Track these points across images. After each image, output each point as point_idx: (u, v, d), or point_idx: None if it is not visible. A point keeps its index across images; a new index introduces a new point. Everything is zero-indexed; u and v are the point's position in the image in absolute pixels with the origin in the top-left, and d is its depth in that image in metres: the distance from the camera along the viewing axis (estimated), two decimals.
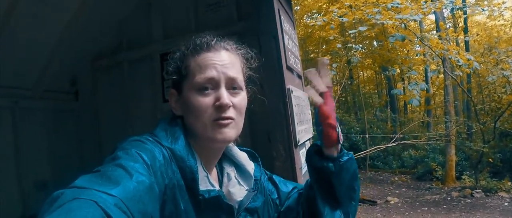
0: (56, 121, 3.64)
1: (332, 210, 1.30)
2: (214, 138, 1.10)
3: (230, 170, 1.28)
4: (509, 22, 19.22)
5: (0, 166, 3.06)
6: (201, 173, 1.10)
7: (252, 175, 1.28)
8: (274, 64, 2.59)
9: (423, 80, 17.37)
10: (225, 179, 1.25)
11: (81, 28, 3.38)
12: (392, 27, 9.68)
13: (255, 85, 1.30)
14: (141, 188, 0.84)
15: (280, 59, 2.60)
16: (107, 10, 3.58)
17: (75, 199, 0.71)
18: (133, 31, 3.80)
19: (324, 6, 15.99)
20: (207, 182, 1.11)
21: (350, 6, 9.93)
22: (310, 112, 3.44)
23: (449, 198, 10.19)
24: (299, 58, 3.43)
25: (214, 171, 1.26)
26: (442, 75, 14.29)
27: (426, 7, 9.08)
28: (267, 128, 2.62)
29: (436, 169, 13.05)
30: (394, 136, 12.57)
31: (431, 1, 9.64)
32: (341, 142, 1.22)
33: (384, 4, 8.75)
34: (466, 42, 16.68)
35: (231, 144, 1.31)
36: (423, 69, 18.48)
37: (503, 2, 14.72)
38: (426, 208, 9.41)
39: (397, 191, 12.01)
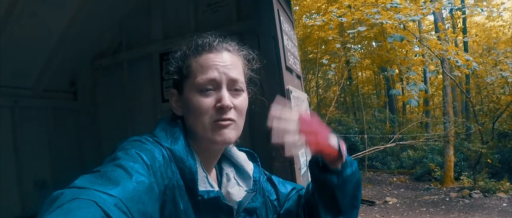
0: (56, 120, 3.64)
1: (334, 217, 1.30)
2: (214, 140, 1.10)
3: (229, 171, 1.28)
4: (508, 23, 19.23)
5: None
6: (201, 173, 1.10)
7: (251, 175, 1.28)
8: (273, 64, 2.59)
9: (422, 81, 17.39)
10: (224, 180, 1.25)
11: (81, 27, 3.38)
12: (391, 28, 9.69)
13: (255, 86, 1.30)
14: (140, 188, 0.84)
15: (279, 60, 2.60)
16: (107, 9, 3.58)
17: (75, 199, 0.71)
18: (132, 31, 3.81)
19: (323, 6, 15.99)
20: (206, 182, 1.11)
21: (349, 6, 9.93)
22: (309, 112, 3.44)
23: (447, 199, 10.19)
24: (298, 58, 3.43)
25: (214, 172, 1.26)
26: (441, 76, 14.31)
27: (425, 8, 9.09)
28: (266, 128, 2.62)
29: (435, 169, 13.04)
30: (393, 137, 12.59)
31: (430, 1, 9.64)
32: (344, 158, 1.19)
33: (383, 4, 8.76)
34: (465, 43, 16.69)
35: (230, 144, 1.31)
36: (421, 70, 18.50)
37: (502, 3, 14.74)
38: (424, 209, 9.41)
39: (396, 192, 12.02)
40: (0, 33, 2.80)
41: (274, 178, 1.43)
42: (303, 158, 2.79)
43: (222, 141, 1.11)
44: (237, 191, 1.21)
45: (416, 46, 12.45)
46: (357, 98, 20.63)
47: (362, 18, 9.10)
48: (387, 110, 20.61)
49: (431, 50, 9.80)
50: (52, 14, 3.09)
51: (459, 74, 11.60)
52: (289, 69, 2.83)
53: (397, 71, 17.60)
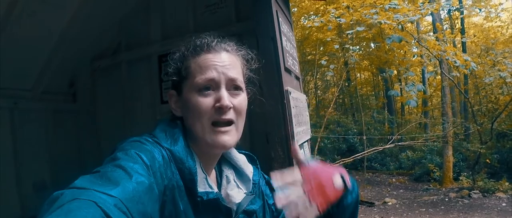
0: (55, 121, 3.64)
1: None
2: (212, 143, 1.11)
3: (229, 173, 1.28)
4: (506, 23, 19.26)
5: None
6: (200, 174, 1.10)
7: (251, 178, 1.28)
8: (272, 65, 2.59)
9: (420, 82, 17.42)
10: (224, 182, 1.25)
11: (80, 28, 3.38)
12: (390, 29, 9.70)
13: (254, 87, 1.30)
14: (140, 188, 0.84)
15: (278, 61, 2.60)
16: (106, 10, 3.58)
17: (74, 200, 0.71)
18: (131, 32, 3.81)
19: (322, 8, 16.00)
20: (206, 184, 1.11)
21: (348, 7, 9.94)
22: (308, 113, 3.45)
23: (446, 199, 10.20)
24: (297, 60, 3.43)
25: (213, 173, 1.26)
26: (439, 76, 14.33)
27: (423, 8, 9.11)
28: (265, 129, 2.62)
29: (434, 170, 13.06)
30: (392, 138, 12.60)
31: (429, 2, 9.66)
32: (349, 187, 1.13)
33: (381, 5, 8.77)
34: (463, 44, 16.71)
35: None
36: (420, 71, 18.54)
37: (500, 4, 14.77)
38: (424, 209, 9.42)
39: (395, 192, 12.02)
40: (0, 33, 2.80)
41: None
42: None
43: (222, 146, 1.12)
44: (236, 193, 1.21)
45: (415, 47, 12.44)
46: (356, 100, 20.65)
47: (360, 19, 9.11)
48: (386, 111, 20.61)
49: (429, 51, 9.81)
50: (52, 14, 3.08)
51: (458, 74, 11.60)
52: (288, 71, 2.83)
53: (395, 72, 17.62)
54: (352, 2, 9.60)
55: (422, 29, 19.37)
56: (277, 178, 1.04)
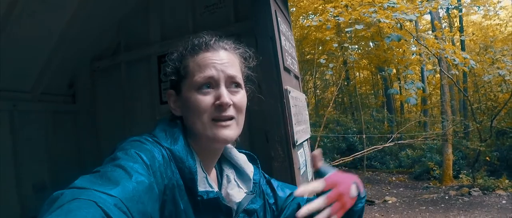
0: (55, 122, 3.64)
1: None
2: (213, 138, 1.11)
3: (229, 172, 1.29)
4: (505, 21, 19.28)
5: None
6: (200, 174, 1.10)
7: (251, 178, 1.29)
8: (271, 65, 2.59)
9: (420, 80, 17.41)
10: (224, 181, 1.26)
11: (80, 28, 3.38)
12: (388, 27, 9.69)
13: (253, 85, 1.30)
14: (140, 188, 0.84)
15: (277, 60, 2.60)
16: (106, 10, 3.59)
17: (74, 200, 0.72)
18: (131, 32, 3.81)
19: (320, 7, 16.00)
20: (206, 183, 1.11)
21: (346, 6, 9.93)
22: (307, 112, 3.45)
23: (447, 197, 10.20)
24: (296, 59, 3.44)
25: (214, 172, 1.26)
26: (438, 75, 14.33)
27: (422, 7, 9.10)
28: (264, 128, 2.62)
29: (434, 168, 13.06)
30: (391, 136, 12.60)
31: (427, 1, 9.66)
32: (362, 196, 1.18)
33: (380, 4, 8.76)
34: (462, 42, 16.73)
35: (230, 146, 1.32)
36: (419, 69, 18.55)
37: (499, 2, 14.77)
38: (424, 207, 9.42)
39: (395, 191, 12.02)
40: None
41: (273, 181, 1.43)
42: (302, 158, 2.80)
43: (223, 140, 1.12)
44: (237, 192, 1.22)
45: (413, 46, 12.44)
46: (355, 99, 20.65)
47: (359, 17, 9.11)
48: (385, 110, 20.62)
49: (428, 49, 9.81)
50: (52, 15, 3.08)
51: (457, 73, 11.60)
52: (287, 70, 2.84)
53: (394, 71, 17.63)
54: (351, 1, 9.59)
55: (420, 27, 19.39)
56: (302, 191, 1.08)
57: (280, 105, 2.55)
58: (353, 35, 16.50)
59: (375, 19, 8.51)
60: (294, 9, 17.49)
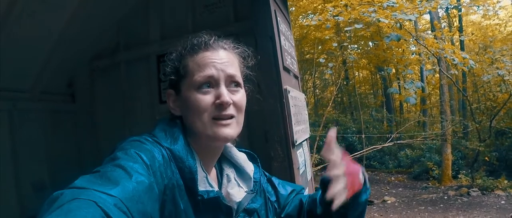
0: (54, 122, 3.64)
1: None
2: (214, 136, 1.11)
3: (229, 171, 1.29)
4: (504, 21, 19.28)
5: None
6: (200, 173, 1.10)
7: (252, 176, 1.29)
8: (271, 65, 2.59)
9: (419, 80, 17.42)
10: (224, 180, 1.26)
11: (80, 28, 3.38)
12: (388, 27, 9.69)
13: (252, 85, 1.30)
14: (140, 188, 0.85)
15: (276, 60, 2.60)
16: (106, 10, 3.58)
17: (74, 199, 0.72)
18: (130, 32, 3.81)
19: (319, 7, 15.99)
20: (206, 182, 1.11)
21: (346, 5, 9.93)
22: (306, 112, 3.45)
23: (445, 197, 10.21)
24: (296, 58, 3.44)
25: (214, 172, 1.26)
26: (438, 74, 14.33)
27: (421, 6, 9.10)
28: (264, 128, 2.62)
29: (433, 168, 13.08)
30: (390, 136, 12.59)
31: (426, 0, 9.65)
32: (368, 186, 1.22)
33: (379, 4, 8.76)
34: (461, 42, 16.73)
35: (230, 145, 1.32)
36: (418, 69, 18.55)
37: (498, 2, 14.77)
38: (423, 207, 9.43)
39: (394, 191, 12.04)
40: None
41: (274, 179, 1.43)
42: (301, 158, 2.80)
43: (224, 138, 1.12)
44: (237, 191, 1.22)
45: (413, 45, 12.44)
46: (354, 98, 20.66)
47: (358, 17, 9.10)
48: (384, 109, 20.61)
49: (427, 49, 9.81)
50: (52, 14, 3.08)
51: (456, 72, 11.60)
52: (287, 70, 2.83)
53: (394, 70, 17.62)
54: (350, 0, 9.58)
55: (420, 27, 19.39)
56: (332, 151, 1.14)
57: (280, 105, 2.55)
58: (352, 35, 16.54)
59: (374, 19, 8.51)
60: (294, 8, 17.48)
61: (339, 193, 1.07)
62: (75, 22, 3.27)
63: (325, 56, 12.38)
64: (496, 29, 19.37)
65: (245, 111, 1.20)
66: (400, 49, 15.15)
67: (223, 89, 1.11)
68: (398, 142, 13.32)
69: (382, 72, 17.47)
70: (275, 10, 2.77)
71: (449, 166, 12.50)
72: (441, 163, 12.77)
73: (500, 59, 10.97)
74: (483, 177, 11.15)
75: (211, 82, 1.12)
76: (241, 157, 1.32)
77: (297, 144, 2.65)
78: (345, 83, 21.32)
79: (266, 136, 2.60)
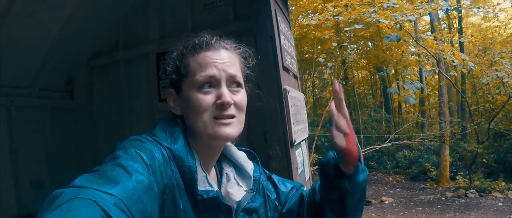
0: (52, 119, 3.64)
1: None
2: (214, 136, 1.11)
3: (229, 171, 1.29)
4: (504, 23, 19.28)
5: None
6: (200, 173, 1.10)
7: (251, 175, 1.29)
8: (270, 64, 2.59)
9: (418, 81, 17.43)
10: (224, 180, 1.26)
11: (79, 26, 3.38)
12: (388, 28, 9.70)
13: (252, 85, 1.30)
14: (140, 187, 0.85)
15: (276, 60, 2.60)
16: (106, 9, 3.58)
17: (74, 199, 0.72)
18: (130, 30, 3.81)
19: (319, 6, 15.98)
20: (206, 182, 1.11)
21: (346, 5, 9.92)
22: (305, 112, 3.45)
23: (443, 198, 10.22)
24: (295, 58, 3.43)
25: (213, 171, 1.26)
26: (437, 76, 14.34)
27: (421, 8, 9.10)
28: (263, 128, 2.62)
29: (431, 169, 13.12)
30: (389, 137, 12.60)
31: (427, 2, 9.66)
32: (361, 162, 1.21)
33: (380, 4, 8.76)
34: (461, 43, 16.73)
35: (230, 144, 1.32)
36: (417, 70, 18.57)
37: (498, 4, 14.77)
38: (420, 208, 9.44)
39: (392, 191, 12.05)
40: None
41: (274, 176, 1.43)
42: (299, 158, 2.80)
43: (225, 137, 1.12)
44: (236, 191, 1.22)
45: (412, 46, 12.45)
46: (353, 98, 20.68)
47: (358, 17, 9.10)
48: (383, 110, 20.66)
49: (427, 50, 9.81)
50: (51, 13, 3.08)
51: (455, 74, 11.61)
52: (286, 69, 2.83)
53: (393, 71, 17.63)
54: (351, 1, 9.58)
55: (420, 28, 19.39)
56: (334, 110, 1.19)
57: (279, 105, 2.55)
58: (352, 35, 16.52)
59: (374, 20, 8.51)
60: (293, 8, 17.47)
61: (340, 137, 1.13)
62: (75, 20, 3.27)
63: (325, 56, 12.35)
64: (496, 31, 19.36)
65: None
66: (399, 50, 15.16)
67: (224, 89, 1.11)
68: (396, 142, 13.35)
69: (381, 72, 17.46)
70: (275, 10, 2.77)
71: (447, 167, 12.51)
72: (439, 164, 12.79)
73: (499, 62, 10.99)
74: (481, 179, 11.18)
75: (212, 82, 1.12)
76: (241, 156, 1.32)
77: (295, 143, 2.65)
78: (344, 83, 21.31)
79: (265, 135, 2.60)
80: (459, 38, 15.07)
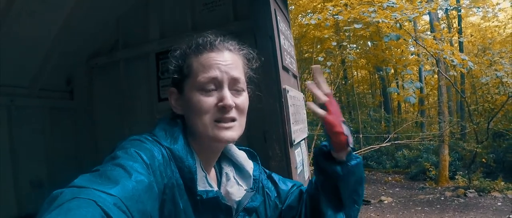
0: (52, 119, 3.63)
1: (335, 211, 1.31)
2: (215, 138, 1.10)
3: (229, 170, 1.28)
4: (503, 23, 19.30)
5: None
6: (200, 173, 1.10)
7: (251, 174, 1.29)
8: (270, 64, 2.59)
9: (418, 80, 17.44)
10: (223, 179, 1.25)
11: (78, 26, 3.37)
12: (387, 27, 9.70)
13: (254, 86, 1.30)
14: (140, 187, 0.85)
15: (276, 59, 2.60)
16: (105, 8, 3.58)
17: (74, 199, 0.72)
18: (129, 30, 3.80)
19: (319, 6, 15.97)
20: (206, 182, 1.11)
21: (345, 5, 9.91)
22: (305, 111, 3.45)
23: (442, 198, 10.23)
24: (295, 58, 3.43)
25: (213, 171, 1.26)
26: (436, 75, 14.35)
27: (421, 7, 9.10)
28: (263, 128, 2.62)
29: (430, 169, 13.12)
30: (388, 136, 12.60)
31: (426, 1, 9.66)
32: (351, 146, 1.20)
33: (379, 4, 8.76)
34: (460, 43, 16.74)
35: (230, 144, 1.31)
36: (417, 70, 18.59)
37: (498, 4, 14.78)
38: (419, 208, 9.44)
39: (391, 191, 12.05)
40: None
41: (274, 175, 1.43)
42: (299, 157, 2.80)
43: (225, 140, 1.12)
44: (236, 190, 1.22)
45: (412, 46, 12.45)
46: (352, 98, 20.72)
47: (358, 17, 9.09)
48: (382, 110, 20.67)
49: (426, 50, 9.81)
50: (51, 13, 3.08)
51: (455, 73, 11.63)
52: (286, 69, 2.83)
53: (392, 70, 17.63)
54: (350, 0, 9.58)
55: (419, 28, 19.39)
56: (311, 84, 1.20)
57: (279, 104, 2.55)
58: (351, 34, 16.52)
59: (374, 20, 8.51)
60: (293, 7, 17.46)
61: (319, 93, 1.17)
62: (75, 20, 3.27)
63: (324, 55, 12.34)
64: (495, 31, 19.38)
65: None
66: (399, 50, 15.17)
67: (226, 92, 1.11)
68: (395, 142, 13.35)
69: (381, 72, 17.49)
70: (275, 9, 2.77)
71: (446, 167, 12.52)
72: (438, 164, 12.80)
73: (498, 61, 10.99)
74: (480, 179, 11.19)
75: (215, 84, 1.11)
76: (241, 155, 1.32)
77: (295, 143, 2.65)
78: (343, 82, 21.34)
79: (265, 135, 2.60)
80: (459, 38, 15.09)
